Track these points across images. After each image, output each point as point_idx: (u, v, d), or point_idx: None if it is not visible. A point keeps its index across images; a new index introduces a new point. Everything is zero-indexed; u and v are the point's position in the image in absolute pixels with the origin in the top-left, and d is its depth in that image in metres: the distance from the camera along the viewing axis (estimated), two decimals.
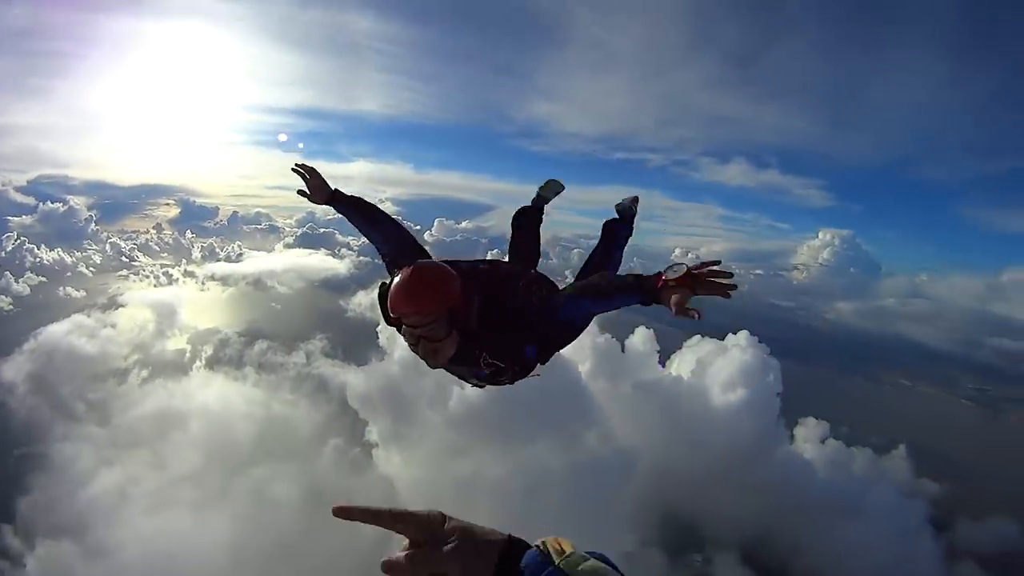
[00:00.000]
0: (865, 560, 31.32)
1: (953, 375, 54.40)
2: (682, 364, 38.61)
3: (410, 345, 1.73)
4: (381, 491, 30.33)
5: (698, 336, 39.95)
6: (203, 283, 60.28)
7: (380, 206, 2.21)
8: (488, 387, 2.07)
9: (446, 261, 1.81)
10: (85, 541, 26.93)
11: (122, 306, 53.68)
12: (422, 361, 1.76)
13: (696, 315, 1.43)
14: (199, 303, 56.13)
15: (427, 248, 2.07)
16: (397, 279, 1.68)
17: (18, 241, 59.84)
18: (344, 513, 0.76)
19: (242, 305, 55.92)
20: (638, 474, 30.66)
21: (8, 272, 52.35)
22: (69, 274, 59.73)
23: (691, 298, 1.46)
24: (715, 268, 1.46)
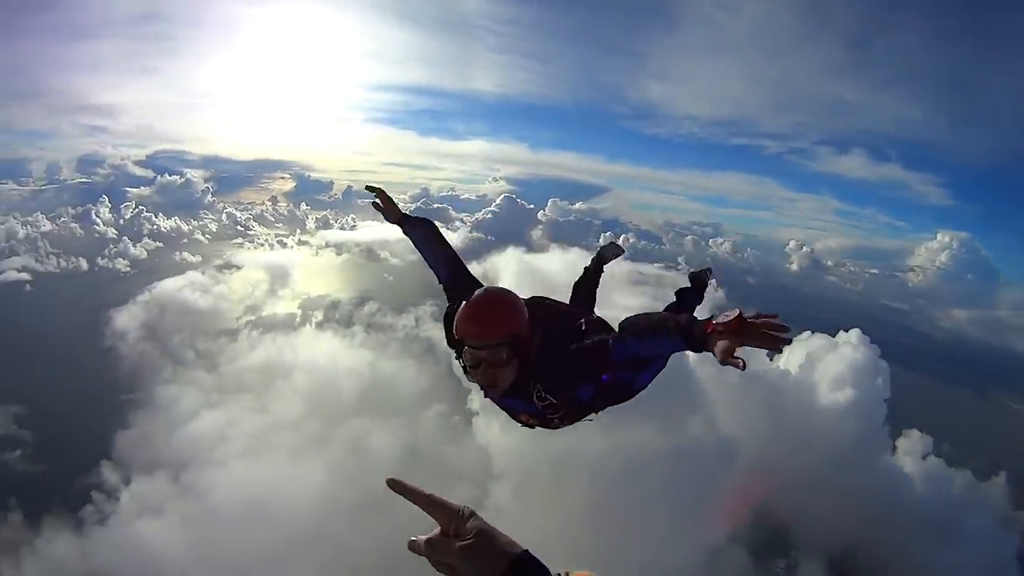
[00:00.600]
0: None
1: None
2: (791, 358, 39.54)
3: (468, 369, 1.87)
4: (477, 460, 33.04)
5: (808, 331, 40.52)
6: (317, 250, 66.13)
7: (446, 235, 2.60)
8: (538, 427, 2.30)
9: None
10: (179, 480, 30.71)
11: (236, 267, 60.01)
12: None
13: (742, 365, 1.43)
14: (312, 267, 61.00)
15: (478, 279, 2.41)
16: (468, 300, 1.87)
17: (136, 209, 67.50)
18: (396, 486, 0.93)
19: (354, 272, 60.72)
20: (737, 467, 32.11)
21: (126, 237, 60.38)
22: (185, 240, 67.40)
23: (738, 347, 1.45)
24: (770, 320, 1.44)
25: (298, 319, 51.11)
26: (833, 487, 35.51)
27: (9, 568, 27.22)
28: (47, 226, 61.63)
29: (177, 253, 65.53)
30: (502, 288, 2.01)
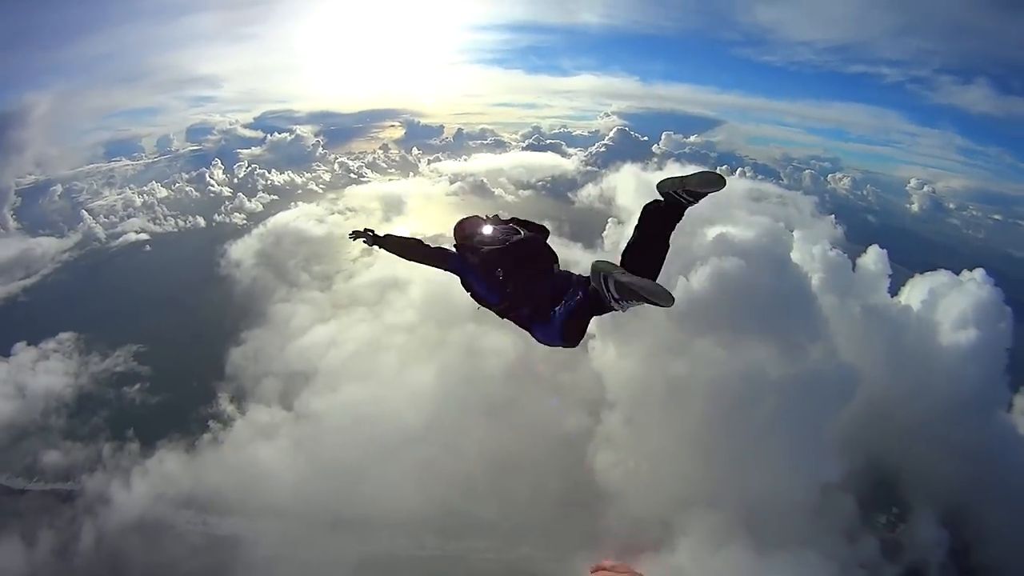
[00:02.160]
0: None
1: None
2: (913, 293, 45.33)
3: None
4: (590, 386, 39.33)
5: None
6: (432, 181, 78.74)
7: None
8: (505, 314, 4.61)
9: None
10: (293, 405, 38.70)
11: (350, 207, 72.62)
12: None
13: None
14: (426, 195, 72.85)
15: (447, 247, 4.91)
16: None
17: (249, 168, 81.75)
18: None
19: (470, 201, 71.30)
20: (856, 399, 37.65)
21: (241, 193, 74.29)
22: (300, 191, 79.65)
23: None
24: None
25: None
26: (947, 438, 41.34)
27: (121, 487, 35.53)
28: (163, 192, 75.45)
29: (292, 203, 76.35)
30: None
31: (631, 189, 49.91)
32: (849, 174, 74.12)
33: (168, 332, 47.97)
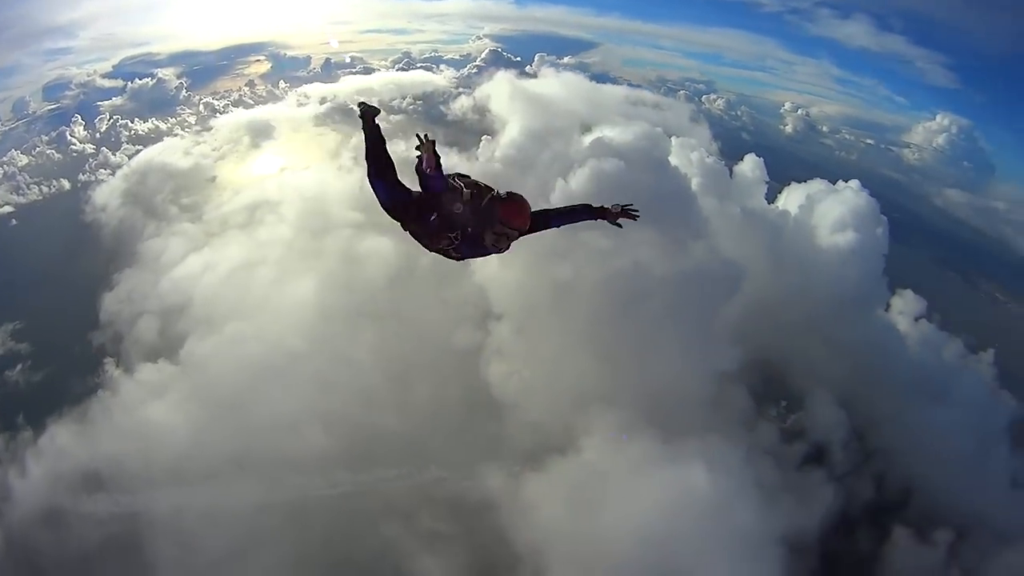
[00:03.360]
0: (940, 446, 48.35)
1: None
2: (790, 199, 55.10)
3: (493, 243, 5.35)
4: (475, 300, 45.80)
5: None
6: (297, 104, 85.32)
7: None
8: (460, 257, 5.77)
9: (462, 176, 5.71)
10: (179, 358, 42.90)
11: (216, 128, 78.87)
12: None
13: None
14: (295, 118, 79.67)
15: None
16: (515, 202, 5.17)
17: (111, 120, 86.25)
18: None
19: (338, 118, 76.44)
20: (741, 299, 45.85)
21: (104, 148, 78.83)
22: (165, 138, 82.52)
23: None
24: (628, 207, 5.82)
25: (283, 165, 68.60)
26: (830, 335, 51.03)
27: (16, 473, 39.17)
28: (23, 160, 78.81)
29: None
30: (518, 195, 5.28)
31: (505, 95, 56.27)
32: (724, 96, 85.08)
33: (43, 302, 51.82)
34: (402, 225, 5.92)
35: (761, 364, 48.34)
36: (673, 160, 49.82)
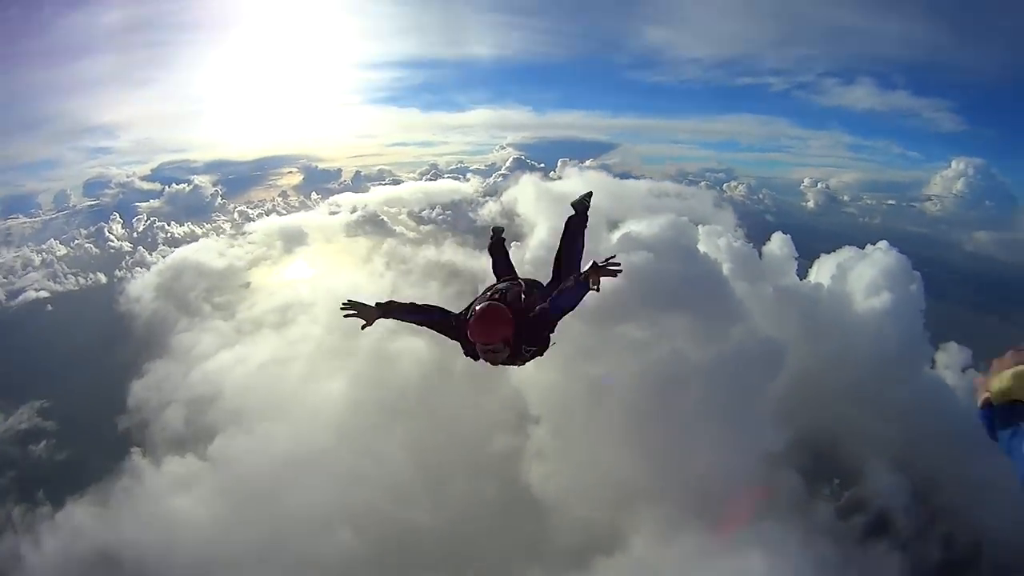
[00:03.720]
0: (1006, 497, 47.46)
1: None
2: (821, 271, 55.68)
3: (484, 355, 5.50)
4: (512, 405, 46.32)
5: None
6: (329, 212, 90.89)
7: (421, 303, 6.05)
8: (521, 364, 5.86)
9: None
10: (207, 454, 44.32)
11: (250, 233, 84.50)
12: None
13: (598, 287, 5.46)
14: (327, 226, 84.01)
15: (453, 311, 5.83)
16: (476, 314, 5.39)
17: (148, 221, 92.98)
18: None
19: (369, 231, 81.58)
20: (783, 377, 46.09)
21: (141, 247, 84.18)
22: (201, 239, 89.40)
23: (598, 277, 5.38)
24: (610, 260, 5.52)
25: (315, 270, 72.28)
26: (877, 399, 50.67)
27: (31, 545, 40.76)
28: (62, 250, 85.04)
29: None
30: (496, 305, 5.45)
31: (531, 197, 57.88)
32: (744, 181, 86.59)
33: (72, 384, 54.67)
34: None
35: (810, 442, 47.85)
36: (701, 247, 50.70)
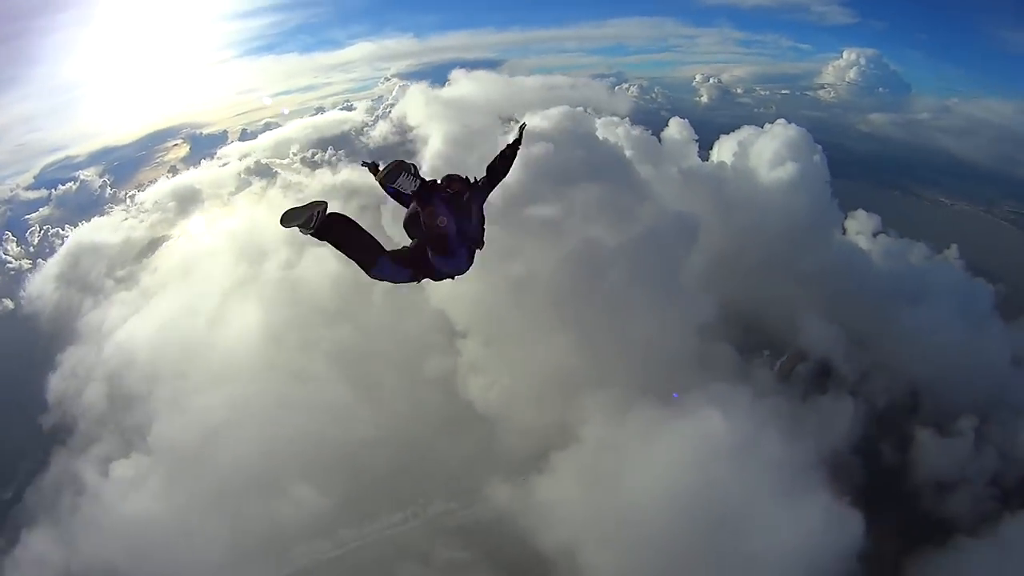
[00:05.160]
0: (934, 341, 49.11)
1: (991, 196, 77.93)
2: (722, 151, 56.11)
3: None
4: (438, 324, 44.85)
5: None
6: (219, 162, 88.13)
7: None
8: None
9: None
10: (149, 446, 41.74)
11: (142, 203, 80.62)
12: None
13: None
14: (219, 180, 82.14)
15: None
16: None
17: (42, 231, 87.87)
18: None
19: (261, 173, 78.79)
20: (700, 255, 46.01)
21: (40, 259, 79.52)
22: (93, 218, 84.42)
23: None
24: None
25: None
26: (795, 268, 51.64)
27: None
28: None
29: None
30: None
31: (421, 107, 56.24)
32: (635, 83, 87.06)
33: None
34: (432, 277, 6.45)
35: (735, 316, 48.57)
36: (600, 135, 50.14)
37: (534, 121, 48.23)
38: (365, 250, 5.50)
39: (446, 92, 58.40)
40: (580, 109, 53.16)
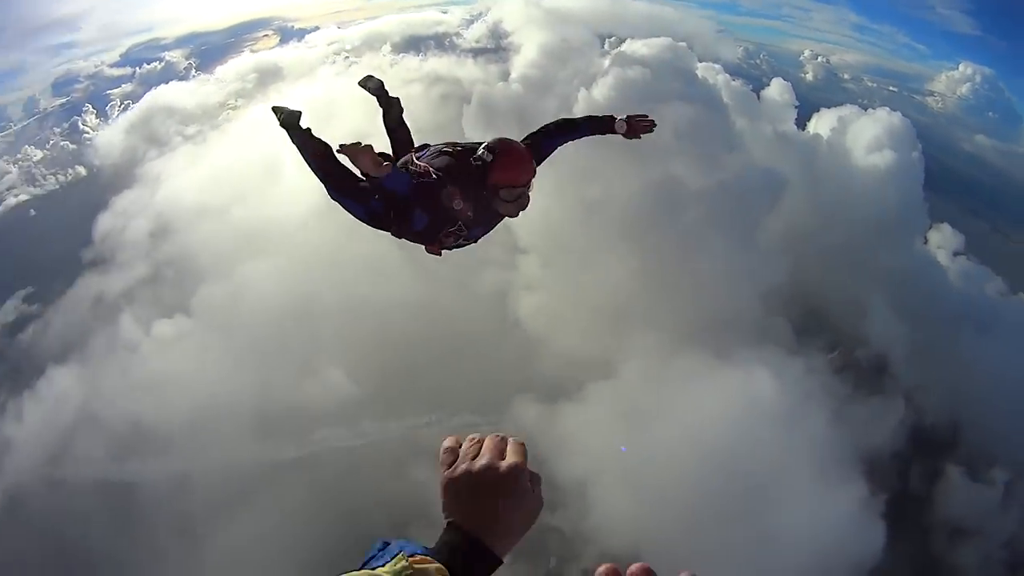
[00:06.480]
0: (990, 378, 46.92)
1: None
2: (820, 123, 53.94)
3: (508, 204, 4.83)
4: (499, 237, 42.25)
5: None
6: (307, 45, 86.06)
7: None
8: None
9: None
10: (191, 308, 41.94)
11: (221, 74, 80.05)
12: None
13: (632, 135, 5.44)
14: (305, 60, 79.99)
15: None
16: (510, 152, 4.77)
17: (123, 106, 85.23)
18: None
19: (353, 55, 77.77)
20: (778, 216, 44.35)
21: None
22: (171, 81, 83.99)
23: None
24: (641, 116, 5.21)
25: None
26: (869, 262, 49.36)
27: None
28: (38, 155, 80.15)
29: None
30: (510, 139, 4.86)
31: (520, 10, 55.14)
32: (742, 45, 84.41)
33: (55, 263, 51.70)
34: (392, 233, 5.28)
35: (800, 293, 46.87)
36: (699, 75, 48.47)
37: (634, 46, 46.72)
38: (335, 173, 5.34)
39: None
40: (683, 44, 51.29)
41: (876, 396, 45.54)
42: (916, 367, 48.12)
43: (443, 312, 42.15)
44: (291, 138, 5.39)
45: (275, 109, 5.50)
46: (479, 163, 4.69)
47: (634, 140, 5.46)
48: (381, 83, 6.13)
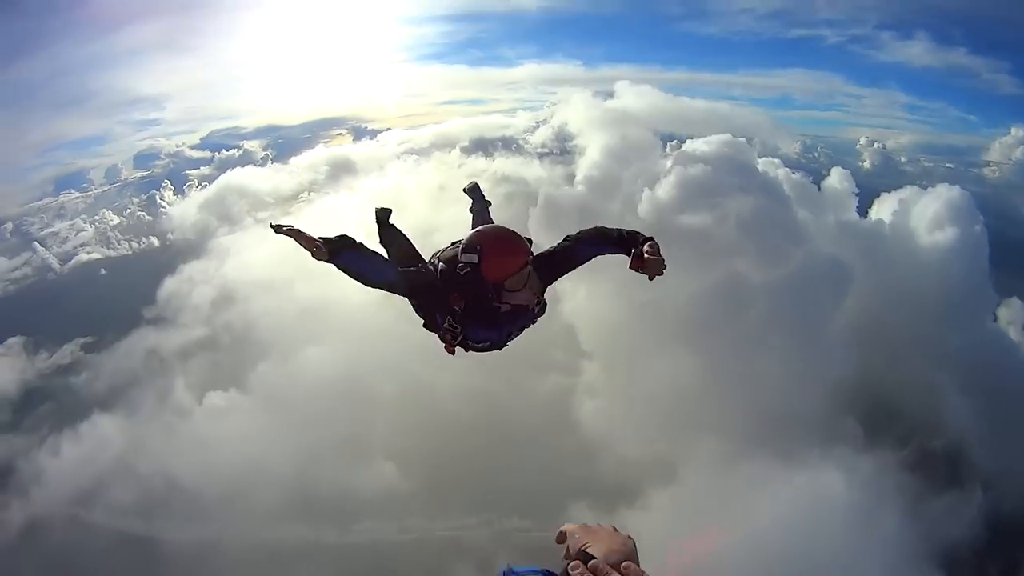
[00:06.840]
0: None
1: None
2: (882, 209, 53.88)
3: (504, 295, 4.45)
4: (564, 341, 44.53)
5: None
6: (380, 144, 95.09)
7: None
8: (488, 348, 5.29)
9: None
10: (248, 385, 43.91)
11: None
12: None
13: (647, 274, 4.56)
14: (376, 156, 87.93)
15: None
16: (491, 242, 4.33)
17: (200, 187, 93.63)
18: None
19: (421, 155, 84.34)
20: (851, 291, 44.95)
21: None
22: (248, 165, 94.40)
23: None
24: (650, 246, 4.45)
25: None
26: (939, 349, 48.73)
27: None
28: (115, 220, 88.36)
29: None
30: (495, 225, 4.68)
31: (582, 114, 56.91)
32: (798, 139, 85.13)
33: (117, 319, 55.57)
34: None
35: (868, 386, 45.46)
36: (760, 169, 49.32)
37: (695, 144, 47.86)
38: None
39: (609, 103, 58.66)
40: (742, 140, 52.64)
41: (953, 488, 44.63)
42: (993, 451, 46.78)
43: (502, 411, 42.50)
44: (379, 232, 5.48)
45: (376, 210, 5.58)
46: (467, 270, 4.33)
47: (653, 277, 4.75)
48: (477, 185, 6.67)
